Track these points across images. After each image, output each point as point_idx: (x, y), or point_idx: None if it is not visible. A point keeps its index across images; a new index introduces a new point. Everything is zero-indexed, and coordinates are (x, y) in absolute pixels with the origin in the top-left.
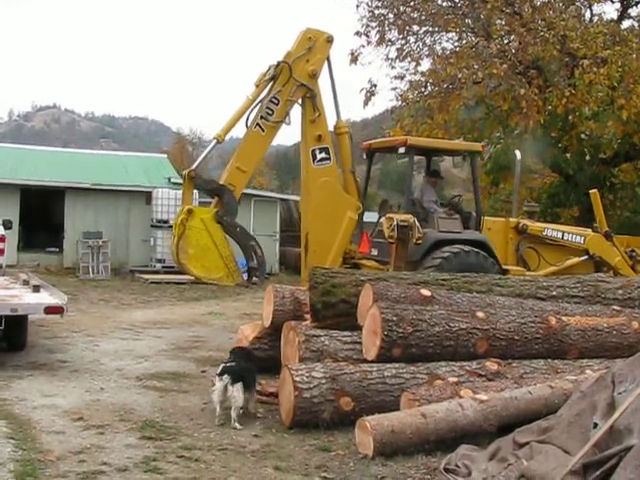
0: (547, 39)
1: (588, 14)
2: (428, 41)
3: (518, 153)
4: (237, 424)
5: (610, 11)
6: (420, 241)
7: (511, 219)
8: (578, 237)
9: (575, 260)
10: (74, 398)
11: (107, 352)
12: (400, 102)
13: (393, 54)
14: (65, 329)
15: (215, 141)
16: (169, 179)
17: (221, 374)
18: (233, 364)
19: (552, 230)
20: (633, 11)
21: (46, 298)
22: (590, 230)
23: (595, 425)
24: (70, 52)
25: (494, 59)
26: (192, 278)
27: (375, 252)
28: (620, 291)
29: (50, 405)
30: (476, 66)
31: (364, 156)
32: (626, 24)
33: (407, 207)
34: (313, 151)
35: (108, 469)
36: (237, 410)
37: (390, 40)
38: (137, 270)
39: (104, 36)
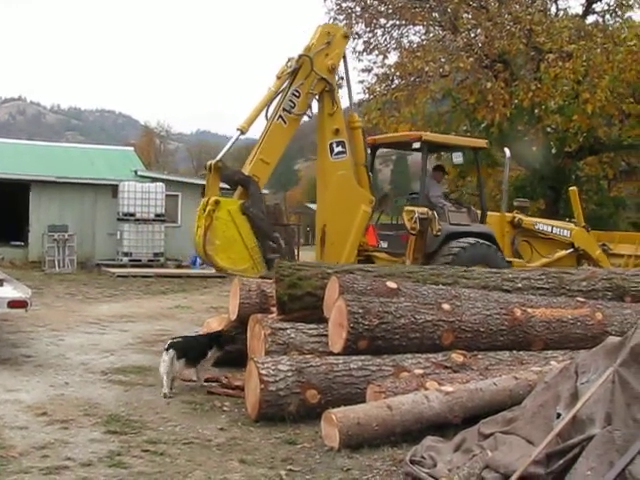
0: (513, 33)
1: (554, 9)
2: (395, 34)
3: (507, 151)
4: (166, 390)
5: (575, 6)
6: (440, 233)
7: (507, 214)
8: (565, 231)
9: (563, 253)
10: (38, 393)
11: (72, 346)
12: (367, 95)
13: (360, 47)
14: (30, 323)
15: (239, 132)
16: (136, 172)
17: (167, 348)
18: (181, 340)
19: (543, 224)
20: (598, 6)
21: (9, 292)
22: (573, 225)
23: (558, 415)
24: (36, 43)
25: (461, 53)
26: (159, 271)
27: (385, 245)
28: (584, 283)
29: (13, 400)
30: (443, 59)
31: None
32: (591, 19)
33: (421, 201)
34: (331, 144)
35: (72, 464)
36: (171, 379)
37: (357, 33)
38: (103, 264)
39: (70, 27)
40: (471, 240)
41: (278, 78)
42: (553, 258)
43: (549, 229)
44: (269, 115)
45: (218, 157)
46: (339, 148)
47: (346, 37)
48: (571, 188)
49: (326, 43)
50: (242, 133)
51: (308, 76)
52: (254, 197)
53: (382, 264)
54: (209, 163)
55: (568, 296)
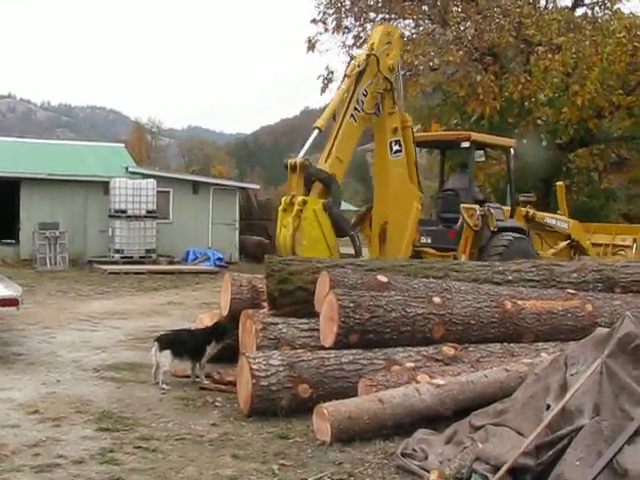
0: (503, 26)
1: (543, 1)
2: None
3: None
4: (164, 385)
5: None
6: (496, 229)
7: (522, 208)
8: (564, 223)
9: (564, 244)
10: (29, 391)
11: (64, 344)
12: None
13: (350, 41)
14: (21, 321)
15: (317, 130)
16: (127, 169)
17: (155, 340)
18: (168, 333)
19: (549, 218)
20: None
21: (0, 290)
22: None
23: (548, 407)
24: (25, 40)
25: (450, 46)
26: (151, 268)
27: (428, 240)
28: (574, 275)
29: (5, 399)
30: (433, 53)
31: None
32: (580, 11)
33: (470, 199)
34: (390, 143)
35: (64, 462)
36: (164, 374)
37: (347, 27)
38: (95, 261)
39: (60, 24)
40: (515, 234)
41: (348, 77)
42: (559, 248)
43: (554, 222)
44: (339, 113)
45: (301, 155)
46: (397, 147)
47: (402, 37)
48: (558, 183)
49: (387, 43)
50: (320, 131)
51: (375, 75)
52: (336, 196)
53: (432, 259)
54: (292, 161)
55: (558, 288)
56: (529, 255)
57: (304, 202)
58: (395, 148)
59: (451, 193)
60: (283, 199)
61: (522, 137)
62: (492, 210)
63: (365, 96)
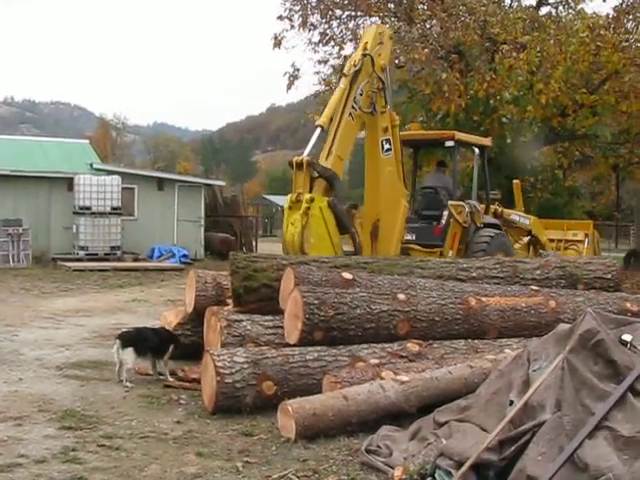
0: (468, 24)
1: (508, 0)
2: (351, 25)
3: (476, 149)
4: (127, 383)
5: None
6: (482, 225)
7: (491, 205)
8: (526, 220)
9: (526, 239)
10: None
11: (27, 342)
12: (324, 86)
13: (316, 38)
14: None
15: (320, 129)
16: (91, 165)
17: (117, 338)
18: (131, 330)
19: (514, 215)
20: None
21: None
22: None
23: (511, 402)
24: None
25: (416, 44)
26: (115, 265)
27: (413, 237)
28: (538, 271)
29: None
30: (398, 50)
31: None
32: (544, 10)
33: (455, 197)
34: (382, 142)
35: (25, 461)
36: (127, 371)
37: (313, 24)
38: (59, 258)
39: (23, 17)
40: (495, 230)
41: (345, 76)
42: (523, 244)
43: (517, 218)
44: (337, 112)
45: (305, 153)
46: (387, 145)
47: (391, 38)
48: (515, 181)
49: (379, 43)
50: (323, 129)
51: (370, 75)
52: (339, 193)
53: (418, 256)
54: (298, 159)
55: (522, 285)
56: (508, 250)
57: (312, 200)
58: (386, 147)
59: (430, 191)
60: (288, 197)
61: (487, 135)
62: (478, 207)
63: (361, 95)
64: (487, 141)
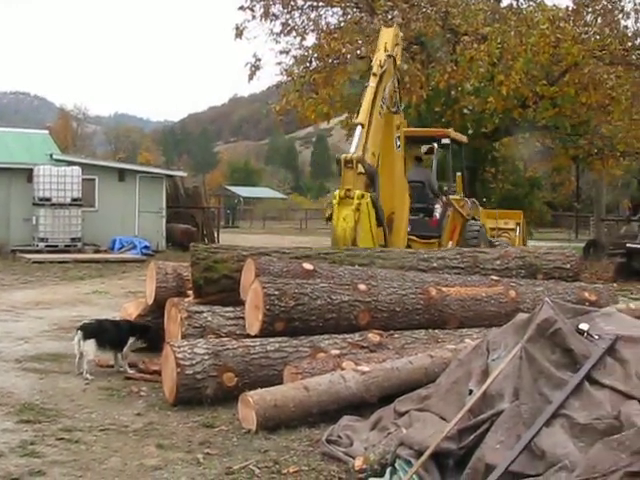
0: (429, 15)
1: None
2: (313, 16)
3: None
4: (88, 375)
5: None
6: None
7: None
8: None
9: None
10: None
11: None
12: (285, 77)
13: (278, 28)
14: None
15: (360, 126)
16: (51, 156)
17: (78, 329)
18: (92, 322)
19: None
20: None
21: None
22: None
23: (470, 392)
24: None
25: (377, 34)
26: (76, 257)
27: (409, 229)
28: (498, 262)
29: None
30: (360, 41)
31: None
32: (505, 2)
33: (433, 190)
34: (395, 139)
35: None
36: (88, 363)
37: (274, 14)
38: (19, 250)
39: None
40: (479, 222)
41: (375, 76)
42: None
43: None
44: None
45: (353, 150)
46: (398, 142)
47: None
48: (457, 174)
49: (396, 45)
50: (362, 127)
51: (393, 75)
52: (378, 189)
53: (418, 247)
54: (347, 156)
55: (482, 275)
56: (488, 240)
57: (362, 196)
58: (398, 143)
59: (419, 185)
60: (337, 193)
61: (448, 126)
62: (475, 202)
63: (386, 93)
64: (465, 139)
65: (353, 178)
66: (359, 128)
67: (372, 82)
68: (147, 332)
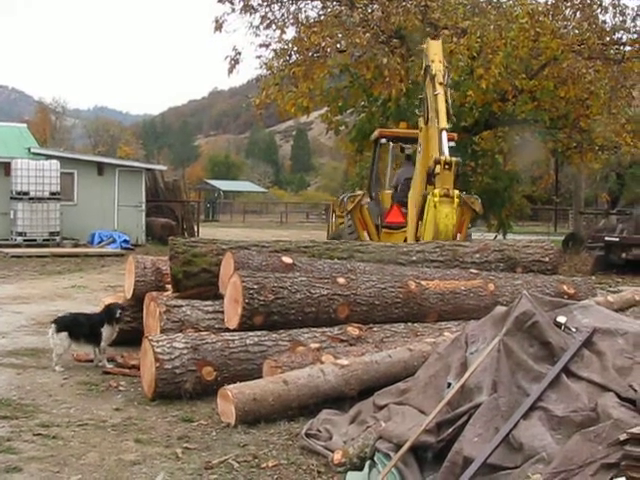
0: (409, 9)
1: None
2: (292, 9)
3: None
4: (57, 367)
5: None
6: None
7: None
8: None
9: None
10: None
11: None
12: (265, 70)
13: (257, 22)
14: None
15: (445, 131)
16: (29, 149)
17: (52, 322)
18: (66, 315)
19: None
20: None
21: None
22: None
23: (449, 385)
24: None
25: (357, 28)
26: (55, 251)
27: None
28: (477, 255)
29: None
30: (340, 35)
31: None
32: None
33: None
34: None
35: None
36: (58, 356)
37: (254, 7)
38: None
39: None
40: None
41: (441, 84)
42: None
43: None
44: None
45: (446, 153)
46: None
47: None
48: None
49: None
50: (446, 131)
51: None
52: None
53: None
54: (447, 159)
55: (461, 268)
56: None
57: (458, 196)
58: None
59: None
60: (437, 191)
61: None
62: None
63: None
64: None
65: (450, 179)
66: (444, 133)
67: (440, 90)
68: (116, 313)
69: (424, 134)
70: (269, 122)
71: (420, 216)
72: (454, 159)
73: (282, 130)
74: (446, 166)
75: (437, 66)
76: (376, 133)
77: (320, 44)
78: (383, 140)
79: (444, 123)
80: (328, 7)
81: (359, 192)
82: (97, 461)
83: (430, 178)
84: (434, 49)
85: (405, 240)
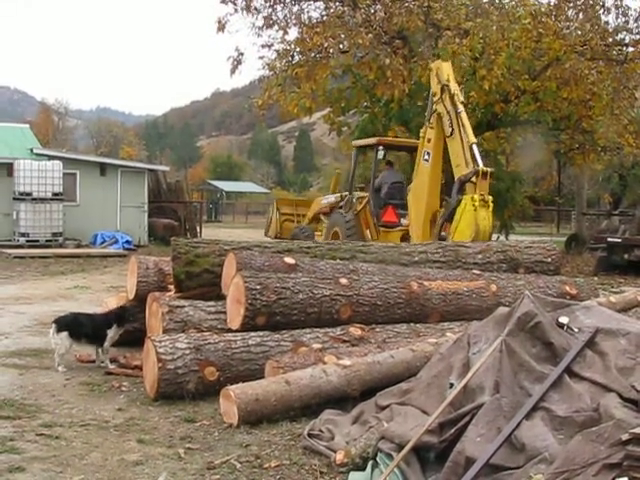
0: (412, 10)
1: None
2: (295, 9)
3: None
4: (59, 367)
5: None
6: None
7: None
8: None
9: None
10: None
11: None
12: (268, 71)
13: (260, 22)
14: None
15: (475, 145)
16: (32, 150)
17: (53, 322)
18: (67, 315)
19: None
20: None
21: None
22: None
23: (451, 385)
24: None
25: (360, 29)
26: (57, 251)
27: (406, 222)
28: (480, 256)
29: None
30: (342, 35)
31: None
32: None
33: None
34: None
35: None
36: (60, 356)
37: (256, 8)
38: None
39: None
40: None
41: (463, 103)
42: None
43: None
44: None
45: (481, 164)
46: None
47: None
48: (337, 170)
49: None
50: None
51: None
52: None
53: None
54: (485, 169)
55: (464, 269)
56: None
57: (492, 201)
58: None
59: (399, 185)
60: (476, 197)
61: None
62: None
63: None
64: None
65: (487, 186)
66: (475, 146)
67: (462, 108)
68: (124, 316)
69: (436, 145)
70: (271, 123)
71: (448, 218)
72: (490, 170)
73: (285, 131)
74: (484, 175)
75: (455, 86)
76: (374, 140)
77: (322, 45)
78: (381, 148)
79: (473, 138)
80: (331, 8)
81: (364, 194)
82: (100, 461)
83: (463, 185)
84: (447, 69)
85: (402, 238)
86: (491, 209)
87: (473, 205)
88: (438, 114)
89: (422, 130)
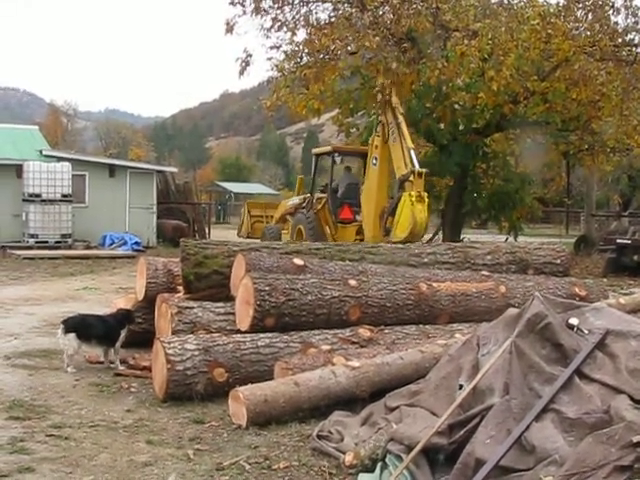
0: (420, 11)
1: None
2: (303, 11)
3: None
4: (69, 368)
5: None
6: None
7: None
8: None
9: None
10: None
11: None
12: (276, 72)
13: (268, 24)
14: None
15: (412, 150)
16: (41, 152)
17: (61, 323)
18: (75, 316)
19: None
20: None
21: None
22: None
23: (460, 386)
24: None
25: (367, 30)
26: (66, 253)
27: (360, 218)
28: (489, 257)
29: None
30: (350, 37)
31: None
32: None
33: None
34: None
35: None
36: (69, 357)
37: (265, 10)
38: (9, 246)
39: None
40: None
41: (401, 114)
42: None
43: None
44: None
45: (417, 166)
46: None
47: None
48: (299, 176)
49: None
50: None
51: None
52: None
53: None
54: (420, 170)
55: (473, 270)
56: None
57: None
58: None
59: (354, 186)
60: (413, 193)
61: (439, 121)
62: None
63: None
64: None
65: (422, 184)
66: (412, 151)
67: (402, 118)
68: (131, 317)
69: (382, 150)
70: (280, 124)
71: (391, 213)
72: (424, 170)
73: (293, 132)
74: (420, 175)
75: (395, 99)
76: (330, 149)
77: (330, 46)
78: (336, 154)
79: (411, 144)
80: (339, 9)
81: (323, 195)
82: (109, 462)
83: (402, 184)
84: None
85: (357, 232)
86: (427, 204)
87: (411, 200)
88: (382, 124)
89: (371, 138)
